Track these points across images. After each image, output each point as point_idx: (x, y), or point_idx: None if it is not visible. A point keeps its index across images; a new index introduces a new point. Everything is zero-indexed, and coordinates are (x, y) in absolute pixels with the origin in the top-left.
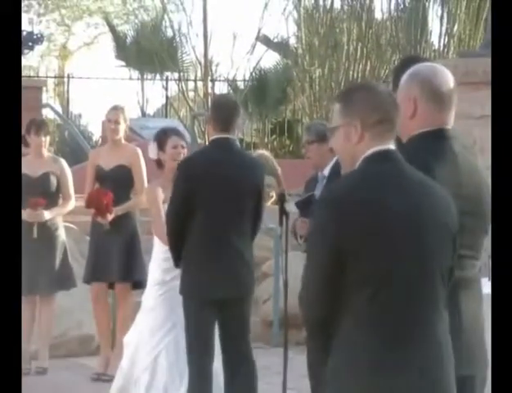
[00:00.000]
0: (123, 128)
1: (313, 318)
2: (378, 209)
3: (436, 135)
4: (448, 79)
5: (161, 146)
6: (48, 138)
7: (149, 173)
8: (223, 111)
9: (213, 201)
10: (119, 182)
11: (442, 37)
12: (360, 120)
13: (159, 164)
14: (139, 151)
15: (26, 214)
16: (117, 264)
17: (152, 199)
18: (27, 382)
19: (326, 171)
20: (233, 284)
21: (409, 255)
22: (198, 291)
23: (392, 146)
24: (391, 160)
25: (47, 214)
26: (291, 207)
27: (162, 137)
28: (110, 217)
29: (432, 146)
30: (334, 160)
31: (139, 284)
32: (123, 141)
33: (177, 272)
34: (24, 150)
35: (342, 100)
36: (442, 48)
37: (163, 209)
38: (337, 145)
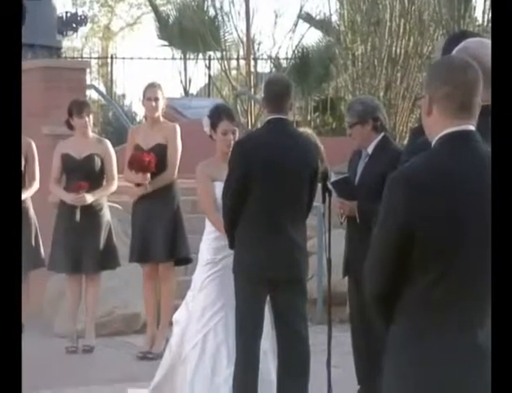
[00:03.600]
0: (161, 104)
1: (376, 290)
2: (446, 193)
3: (481, 112)
4: None
5: (213, 126)
6: (92, 118)
7: (202, 149)
8: (275, 92)
9: (267, 183)
10: (157, 161)
11: (486, 12)
12: (429, 93)
13: (214, 139)
14: (177, 127)
15: (69, 198)
16: (160, 244)
17: (200, 178)
18: (74, 360)
19: (370, 149)
20: (284, 266)
21: (473, 242)
22: (249, 271)
23: (469, 126)
24: (464, 142)
25: (89, 198)
26: None
27: (215, 116)
28: (149, 177)
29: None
30: (379, 137)
31: (183, 261)
32: (161, 118)
33: (228, 251)
34: (67, 131)
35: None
36: (486, 24)
37: (213, 186)
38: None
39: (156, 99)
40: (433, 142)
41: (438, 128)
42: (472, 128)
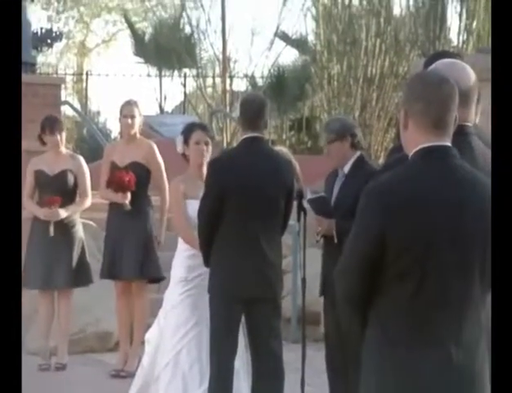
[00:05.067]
0: (138, 122)
1: (346, 295)
2: (420, 206)
3: (454, 131)
4: (467, 76)
5: (186, 141)
6: (64, 135)
7: (176, 167)
8: (251, 110)
9: (242, 202)
10: (135, 179)
11: (461, 33)
12: (405, 107)
13: (187, 158)
14: (154, 145)
15: (42, 213)
16: (131, 262)
17: (174, 195)
18: (46, 378)
19: (347, 168)
20: (258, 284)
21: (448, 255)
22: (224, 289)
23: (445, 142)
24: (439, 156)
25: (62, 213)
26: None
27: (188, 131)
28: (129, 196)
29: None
30: (356, 156)
31: (156, 279)
32: (138, 135)
33: (202, 270)
34: (42, 147)
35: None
36: (460, 45)
37: (186, 204)
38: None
39: (133, 116)
40: (409, 156)
41: (414, 143)
42: (447, 143)
